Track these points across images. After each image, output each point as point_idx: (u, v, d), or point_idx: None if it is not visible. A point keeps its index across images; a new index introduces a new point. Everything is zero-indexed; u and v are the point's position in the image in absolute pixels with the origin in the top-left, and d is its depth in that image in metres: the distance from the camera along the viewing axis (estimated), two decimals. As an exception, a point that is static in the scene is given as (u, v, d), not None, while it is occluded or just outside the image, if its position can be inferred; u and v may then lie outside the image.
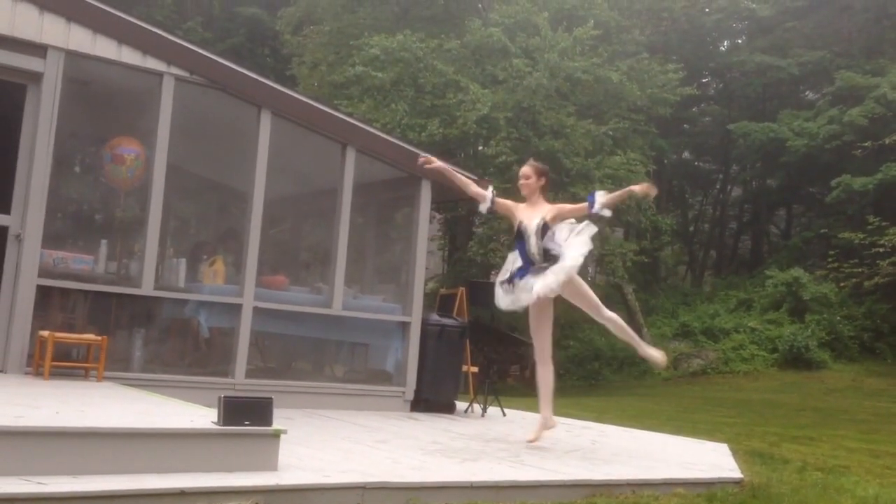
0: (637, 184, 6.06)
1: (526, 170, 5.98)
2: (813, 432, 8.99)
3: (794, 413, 12.16)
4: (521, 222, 5.84)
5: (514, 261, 5.96)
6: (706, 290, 25.25)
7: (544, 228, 5.72)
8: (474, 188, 6.17)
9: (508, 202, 6.06)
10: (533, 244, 5.74)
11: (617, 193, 5.91)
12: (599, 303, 5.97)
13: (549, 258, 5.70)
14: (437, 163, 6.30)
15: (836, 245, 21.07)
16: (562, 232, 5.80)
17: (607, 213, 5.71)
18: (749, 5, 25.87)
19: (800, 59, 24.10)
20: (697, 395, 15.97)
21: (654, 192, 5.92)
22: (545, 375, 5.95)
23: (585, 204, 5.77)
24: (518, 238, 5.87)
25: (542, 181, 5.94)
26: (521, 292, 5.74)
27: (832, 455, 7.09)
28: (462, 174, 6.56)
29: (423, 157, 6.39)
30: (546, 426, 5.95)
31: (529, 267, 5.77)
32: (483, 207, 6.09)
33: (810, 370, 18.62)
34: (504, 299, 5.93)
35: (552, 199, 6.33)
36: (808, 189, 26.20)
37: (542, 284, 5.58)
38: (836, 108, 21.97)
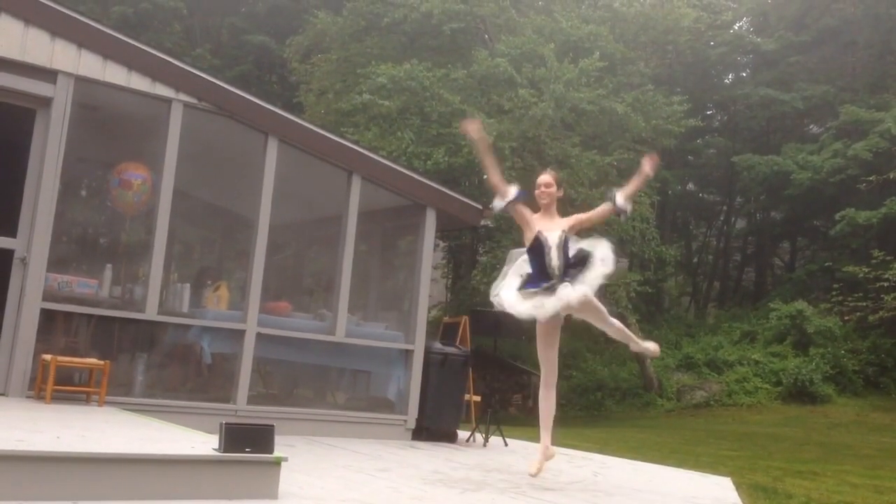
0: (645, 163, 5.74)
1: (547, 178, 5.67)
2: (817, 467, 8.92)
3: (798, 447, 12.07)
4: (539, 233, 5.49)
5: (518, 269, 5.66)
6: (710, 322, 25.20)
7: (566, 242, 5.47)
8: (498, 177, 5.71)
9: (528, 210, 5.66)
10: (554, 258, 5.42)
11: (634, 183, 5.75)
12: (606, 311, 5.70)
13: (569, 271, 5.40)
14: (477, 130, 5.92)
15: (841, 278, 21.04)
16: (584, 247, 5.58)
17: (629, 207, 5.60)
18: (753, 39, 26.09)
19: (804, 93, 24.25)
20: (700, 427, 15.87)
21: (654, 160, 5.75)
22: (548, 398, 5.66)
23: (605, 206, 5.60)
24: (534, 250, 5.52)
25: (560, 192, 5.71)
26: (545, 298, 5.32)
27: (836, 490, 7.03)
28: (487, 157, 5.97)
29: (465, 121, 6.03)
30: (546, 455, 5.64)
31: (544, 281, 5.41)
32: (498, 204, 5.63)
33: (814, 404, 18.52)
34: (522, 304, 5.39)
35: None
36: (812, 222, 26.24)
37: (574, 291, 5.26)
38: (840, 141, 22.05)
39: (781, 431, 15.10)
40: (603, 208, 5.68)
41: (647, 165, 5.69)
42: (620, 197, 5.56)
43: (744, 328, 22.34)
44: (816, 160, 22.23)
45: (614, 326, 5.80)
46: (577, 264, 5.45)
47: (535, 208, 5.70)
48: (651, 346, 6.10)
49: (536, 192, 5.68)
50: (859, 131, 21.82)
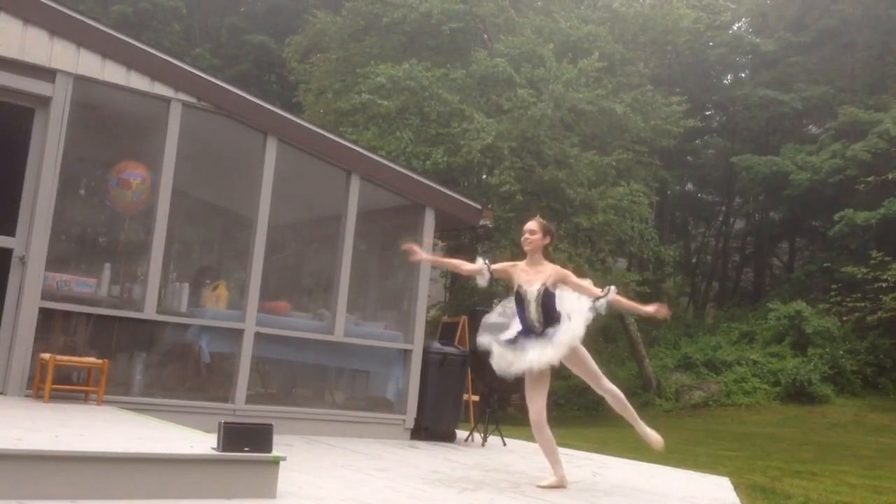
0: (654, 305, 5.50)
1: (532, 225, 5.65)
2: (815, 467, 8.92)
3: (797, 447, 12.07)
4: (519, 287, 5.53)
5: (503, 310, 5.75)
6: (708, 322, 25.19)
7: (545, 295, 5.45)
8: (467, 267, 5.82)
9: (505, 265, 5.76)
10: (532, 311, 5.46)
11: (628, 303, 5.67)
12: (600, 373, 5.73)
13: (550, 324, 5.42)
14: (423, 256, 6.03)
15: (839, 279, 21.05)
16: (566, 301, 5.53)
17: (603, 309, 5.43)
18: (752, 40, 26.08)
19: (803, 94, 24.25)
20: (699, 427, 15.87)
21: (664, 313, 5.41)
22: (546, 438, 5.55)
23: (595, 290, 5.45)
24: (517, 302, 5.57)
25: (547, 240, 5.63)
26: (518, 357, 5.42)
27: (835, 491, 7.03)
28: (445, 261, 6.30)
29: (407, 246, 5.95)
30: (561, 484, 5.52)
31: (528, 333, 5.49)
32: (482, 281, 5.71)
33: (813, 404, 18.51)
34: (502, 361, 5.50)
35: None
36: (811, 222, 26.23)
37: (541, 356, 5.32)
38: (839, 142, 22.06)
39: (780, 431, 15.11)
40: (591, 290, 5.48)
41: (656, 310, 5.40)
42: (605, 301, 5.38)
43: (742, 328, 22.34)
44: (815, 161, 22.22)
45: (615, 395, 5.74)
46: (559, 318, 5.44)
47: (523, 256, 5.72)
48: (655, 438, 5.83)
49: (522, 238, 5.68)
50: (858, 132, 21.82)
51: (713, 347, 21.48)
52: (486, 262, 5.74)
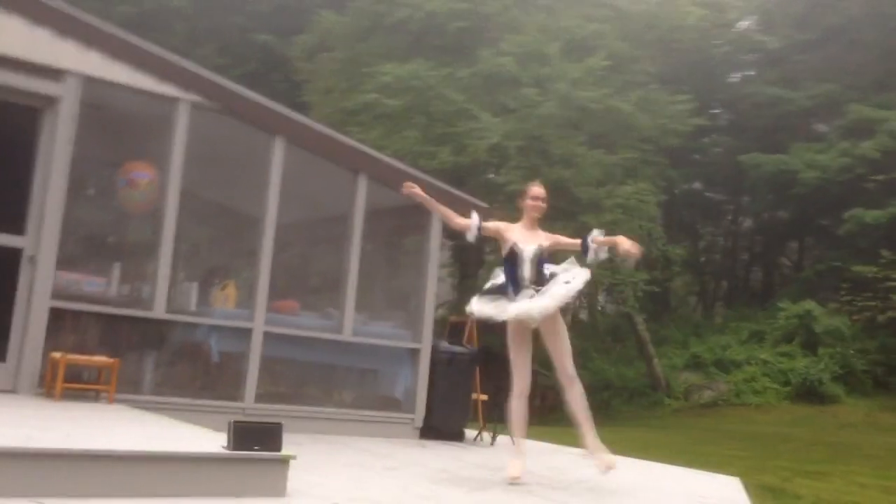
0: (628, 239, 5.55)
1: (541, 191, 5.68)
2: (825, 467, 8.89)
3: (807, 447, 12.04)
4: (515, 244, 5.49)
5: (494, 280, 5.68)
6: (717, 322, 25.13)
7: (540, 257, 5.48)
8: (457, 220, 5.70)
9: (498, 224, 5.67)
10: (527, 270, 5.43)
11: (606, 240, 5.61)
12: (570, 355, 5.53)
13: (541, 284, 5.41)
14: (418, 191, 5.78)
15: (849, 278, 20.96)
16: (556, 272, 5.54)
17: (603, 255, 5.52)
18: (759, 38, 25.99)
19: (810, 92, 24.16)
20: (708, 427, 15.84)
21: (636, 251, 5.49)
22: (520, 409, 5.48)
23: (577, 241, 5.56)
24: (509, 260, 5.50)
25: (545, 205, 5.70)
26: (506, 304, 5.36)
27: (845, 491, 7.01)
28: (439, 207, 5.97)
29: (407, 184, 5.80)
30: (520, 463, 5.46)
31: (514, 288, 5.44)
32: (470, 236, 5.61)
33: (823, 404, 18.45)
34: (484, 306, 5.46)
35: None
36: (819, 221, 26.13)
37: (537, 302, 5.28)
38: (847, 140, 21.97)
39: (790, 431, 15.06)
40: (576, 242, 5.59)
41: (629, 247, 5.46)
42: (592, 249, 5.46)
43: (752, 328, 22.26)
44: (824, 159, 22.14)
45: (575, 388, 5.50)
46: (547, 281, 5.44)
47: (510, 220, 5.69)
48: (608, 460, 5.61)
49: (529, 202, 5.63)
50: (866, 130, 21.73)
51: (722, 347, 21.42)
52: (479, 217, 5.64)
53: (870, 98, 22.89)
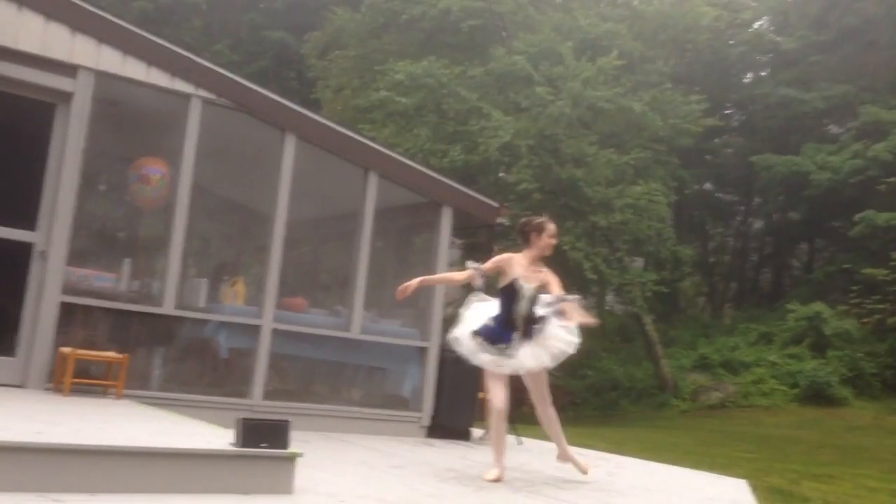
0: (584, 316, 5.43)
1: (555, 229, 5.61)
2: (833, 470, 8.86)
3: (815, 450, 11.99)
4: (517, 279, 5.40)
5: (475, 314, 5.54)
6: (726, 323, 25.04)
7: (537, 296, 5.45)
8: (459, 277, 5.73)
9: (498, 261, 5.51)
10: (522, 307, 5.40)
11: (573, 311, 5.43)
12: (548, 396, 5.65)
13: (533, 322, 5.39)
14: (414, 284, 5.58)
15: (859, 280, 20.85)
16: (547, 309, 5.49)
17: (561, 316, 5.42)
18: (773, 38, 25.87)
19: (824, 93, 24.03)
20: (716, 428, 15.79)
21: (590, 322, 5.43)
22: (504, 427, 5.54)
23: (562, 295, 5.45)
24: (506, 293, 5.43)
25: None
26: (505, 359, 5.33)
27: (853, 494, 6.98)
28: (437, 278, 6.16)
29: (400, 291, 5.55)
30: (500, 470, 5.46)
31: (505, 329, 5.37)
32: (478, 283, 5.54)
33: (831, 406, 18.37)
34: (482, 356, 5.38)
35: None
36: (831, 223, 25.99)
37: (536, 359, 5.33)
38: (860, 142, 21.86)
39: (798, 434, 15.00)
40: (560, 294, 5.45)
41: (580, 318, 5.37)
42: (565, 307, 5.37)
43: (760, 329, 22.17)
44: (836, 161, 22.03)
45: (549, 413, 5.65)
46: (538, 321, 5.41)
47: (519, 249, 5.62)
48: (583, 465, 5.79)
49: (546, 240, 5.53)
50: (880, 132, 21.60)
51: (731, 348, 21.35)
52: (478, 265, 5.56)
53: (884, 100, 22.76)
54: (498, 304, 5.52)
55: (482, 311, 5.56)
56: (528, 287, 5.43)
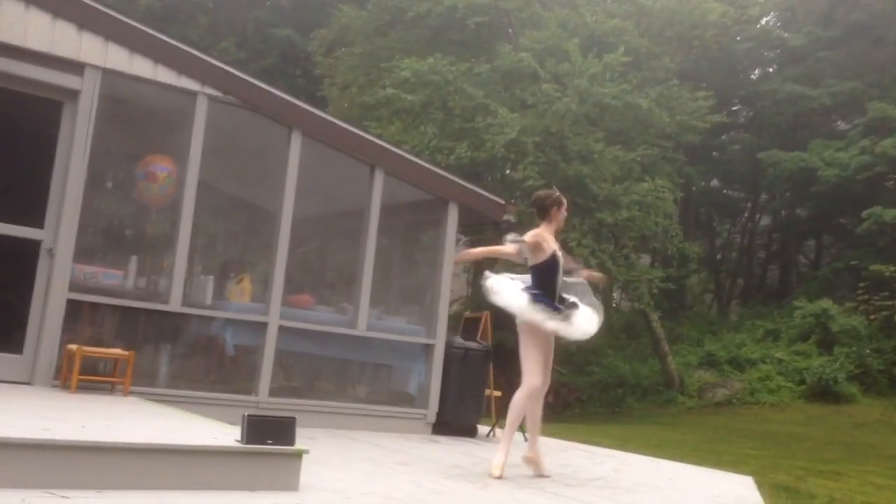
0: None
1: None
2: (840, 467, 8.84)
3: (821, 447, 11.96)
4: (555, 252, 5.50)
5: (510, 284, 5.56)
6: (733, 319, 24.99)
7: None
8: (508, 249, 5.64)
9: (536, 233, 5.50)
10: (559, 278, 5.50)
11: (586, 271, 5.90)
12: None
13: (564, 296, 5.50)
14: (476, 252, 6.10)
15: (867, 277, 20.76)
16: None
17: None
18: (781, 34, 25.78)
19: (831, 89, 23.94)
20: (722, 425, 15.77)
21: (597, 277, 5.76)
22: (523, 412, 5.54)
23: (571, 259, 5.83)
24: (548, 267, 5.46)
25: None
26: (566, 323, 5.36)
27: (860, 491, 6.97)
28: (487, 250, 6.18)
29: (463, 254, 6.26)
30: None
31: (549, 297, 5.41)
32: (523, 255, 5.57)
33: (838, 403, 18.31)
34: (550, 321, 5.34)
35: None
36: (838, 220, 25.91)
37: (590, 325, 5.47)
38: (867, 138, 21.77)
39: (804, 431, 14.97)
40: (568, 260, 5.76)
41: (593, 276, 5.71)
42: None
43: (767, 326, 22.12)
44: (843, 157, 21.94)
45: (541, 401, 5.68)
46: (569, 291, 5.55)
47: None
48: (544, 468, 5.69)
49: (564, 213, 5.66)
50: (887, 128, 21.50)
51: (737, 345, 21.30)
52: (521, 238, 5.54)
53: (892, 96, 22.64)
54: (536, 278, 5.50)
55: (512, 285, 5.56)
56: (561, 258, 5.53)
